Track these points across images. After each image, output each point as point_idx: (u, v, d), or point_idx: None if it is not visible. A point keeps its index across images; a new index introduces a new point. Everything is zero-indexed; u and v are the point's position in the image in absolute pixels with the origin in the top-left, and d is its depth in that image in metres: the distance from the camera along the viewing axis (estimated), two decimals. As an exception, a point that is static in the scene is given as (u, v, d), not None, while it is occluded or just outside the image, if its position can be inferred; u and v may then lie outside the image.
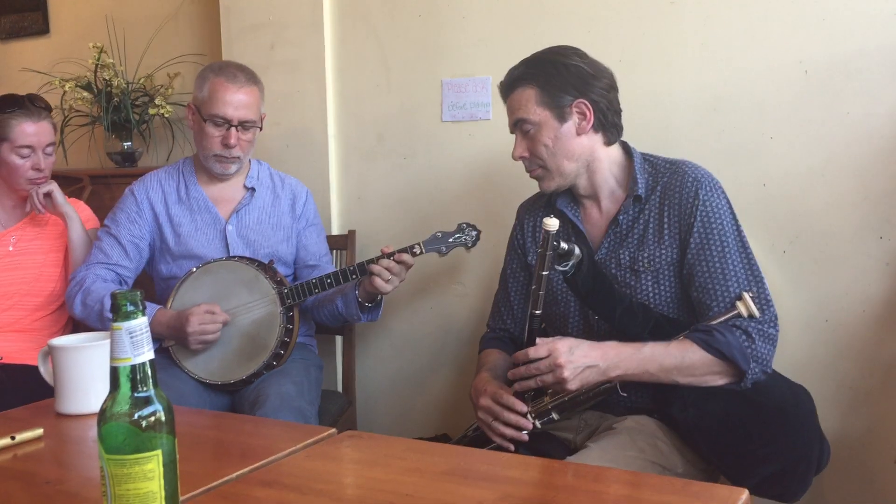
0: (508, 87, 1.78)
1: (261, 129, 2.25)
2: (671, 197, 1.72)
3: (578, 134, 1.74)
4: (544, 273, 1.62)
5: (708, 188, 1.70)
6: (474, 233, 2.10)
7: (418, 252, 2.05)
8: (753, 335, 1.61)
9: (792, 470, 1.58)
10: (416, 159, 2.54)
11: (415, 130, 2.54)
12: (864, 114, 1.93)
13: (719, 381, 1.62)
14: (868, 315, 1.97)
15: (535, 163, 1.79)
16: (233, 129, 2.16)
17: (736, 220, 1.71)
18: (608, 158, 1.79)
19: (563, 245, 1.62)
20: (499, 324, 2.02)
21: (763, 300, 1.65)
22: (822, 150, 1.98)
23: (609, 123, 1.76)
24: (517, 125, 1.78)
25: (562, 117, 1.73)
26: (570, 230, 1.82)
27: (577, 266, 1.66)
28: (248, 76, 2.20)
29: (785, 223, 2.03)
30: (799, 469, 1.60)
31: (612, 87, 1.77)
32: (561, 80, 1.71)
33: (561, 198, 1.85)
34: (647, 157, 1.81)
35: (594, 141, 1.76)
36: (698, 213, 1.68)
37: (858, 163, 1.95)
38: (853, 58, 1.93)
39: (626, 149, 1.82)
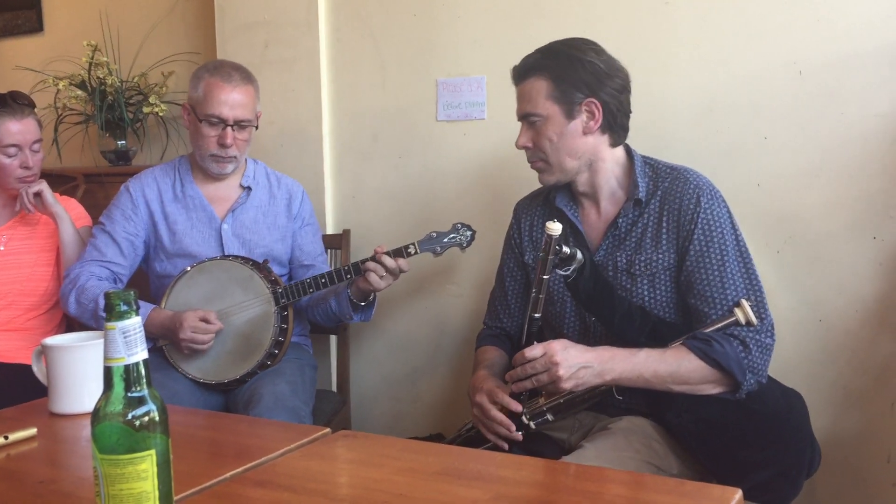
0: (521, 75, 1.76)
1: (257, 127, 2.25)
2: (671, 202, 1.71)
3: (584, 133, 1.72)
4: (545, 277, 1.60)
5: (709, 196, 1.69)
6: (469, 233, 2.09)
7: (413, 252, 2.05)
8: (750, 345, 1.61)
9: (784, 475, 1.59)
10: (411, 159, 2.54)
11: (410, 130, 2.53)
12: (859, 114, 1.94)
13: (713, 390, 1.63)
14: (861, 315, 1.97)
15: (537, 155, 1.77)
16: (228, 128, 2.16)
17: (736, 229, 1.70)
18: (612, 159, 1.77)
19: (566, 249, 1.61)
20: (495, 322, 2.02)
21: (761, 309, 1.65)
22: (816, 150, 1.99)
23: (617, 125, 1.74)
24: (525, 116, 1.76)
25: (570, 114, 1.71)
26: (569, 230, 1.81)
27: (578, 270, 1.65)
28: (242, 75, 2.19)
29: (779, 223, 2.03)
30: (791, 474, 1.60)
31: (625, 89, 1.74)
32: (574, 75, 1.69)
33: (560, 196, 1.83)
34: (647, 161, 1.80)
35: (600, 141, 1.75)
36: (699, 220, 1.67)
37: (853, 163, 1.95)
38: (848, 59, 1.94)
39: (628, 151, 1.81)
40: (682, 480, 1.18)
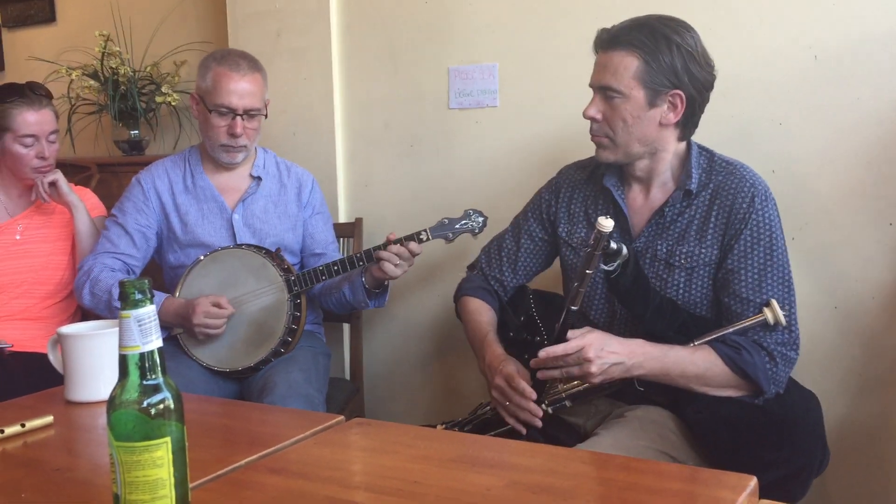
0: (610, 44, 1.65)
1: (266, 116, 2.25)
2: (724, 198, 1.67)
3: (661, 124, 1.66)
4: (589, 272, 1.57)
5: (764, 197, 1.65)
6: (481, 219, 2.09)
7: (425, 238, 2.05)
8: (777, 358, 1.61)
9: (795, 476, 1.59)
10: (423, 147, 2.54)
11: (421, 118, 2.53)
12: (874, 99, 1.92)
13: (734, 394, 1.63)
14: (877, 302, 1.96)
15: (603, 130, 1.69)
16: (238, 118, 2.15)
17: (783, 236, 1.68)
18: (674, 151, 1.72)
19: (613, 245, 1.57)
20: (495, 272, 1.97)
21: (791, 321, 1.63)
22: (831, 135, 1.97)
23: (691, 122, 1.69)
24: (602, 88, 1.68)
25: (652, 102, 1.64)
26: (612, 210, 1.78)
27: (622, 266, 1.62)
28: (250, 64, 2.19)
29: (794, 210, 2.01)
30: (802, 475, 1.60)
31: (711, 85, 1.68)
32: (668, 60, 1.61)
33: (609, 175, 1.78)
34: (703, 151, 1.75)
35: (671, 134, 1.69)
36: (751, 220, 1.63)
37: (868, 148, 1.93)
38: (863, 42, 1.92)
39: (687, 139, 1.75)
40: (698, 468, 1.18)
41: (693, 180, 1.69)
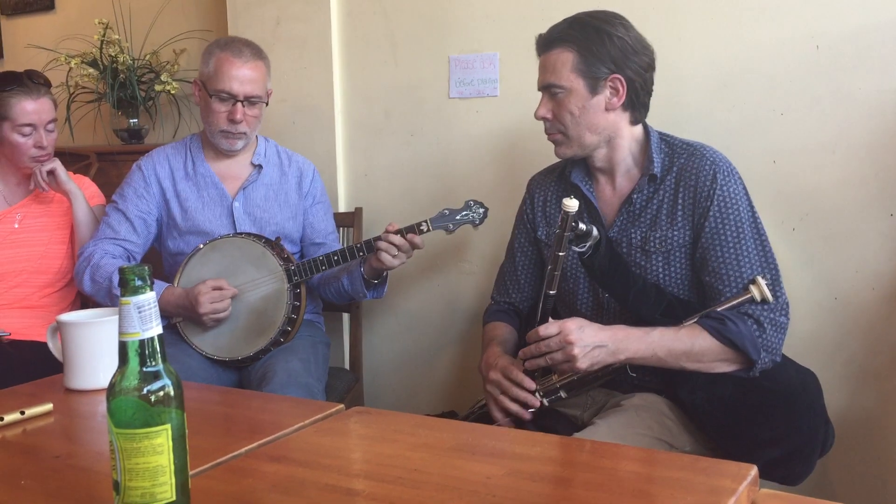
0: (546, 45, 1.73)
1: (267, 104, 2.24)
2: (687, 179, 1.69)
3: (607, 109, 1.70)
4: (561, 254, 1.59)
5: (726, 173, 1.68)
6: (482, 210, 2.09)
7: (425, 229, 2.05)
8: (765, 324, 1.61)
9: (797, 454, 1.59)
10: (424, 136, 2.53)
11: (422, 107, 2.52)
12: (876, 89, 1.91)
13: (727, 368, 1.62)
14: (878, 293, 1.96)
15: (556, 127, 1.75)
16: (239, 104, 2.15)
17: (752, 206, 1.69)
18: (630, 136, 1.76)
19: (582, 226, 1.60)
20: (504, 297, 2.01)
21: (776, 287, 1.64)
22: (833, 126, 1.96)
23: (639, 103, 1.73)
24: (547, 87, 1.73)
25: (594, 89, 1.69)
26: (583, 206, 1.80)
27: (594, 247, 1.64)
28: (253, 51, 2.19)
29: (795, 200, 2.01)
30: (804, 453, 1.60)
31: (651, 67, 1.73)
32: (602, 50, 1.66)
33: (576, 171, 1.82)
34: (664, 137, 1.78)
35: (621, 118, 1.73)
36: (716, 197, 1.65)
37: (870, 139, 1.93)
38: (865, 33, 1.91)
39: (645, 127, 1.79)
40: (697, 457, 1.18)
41: (655, 164, 1.71)
